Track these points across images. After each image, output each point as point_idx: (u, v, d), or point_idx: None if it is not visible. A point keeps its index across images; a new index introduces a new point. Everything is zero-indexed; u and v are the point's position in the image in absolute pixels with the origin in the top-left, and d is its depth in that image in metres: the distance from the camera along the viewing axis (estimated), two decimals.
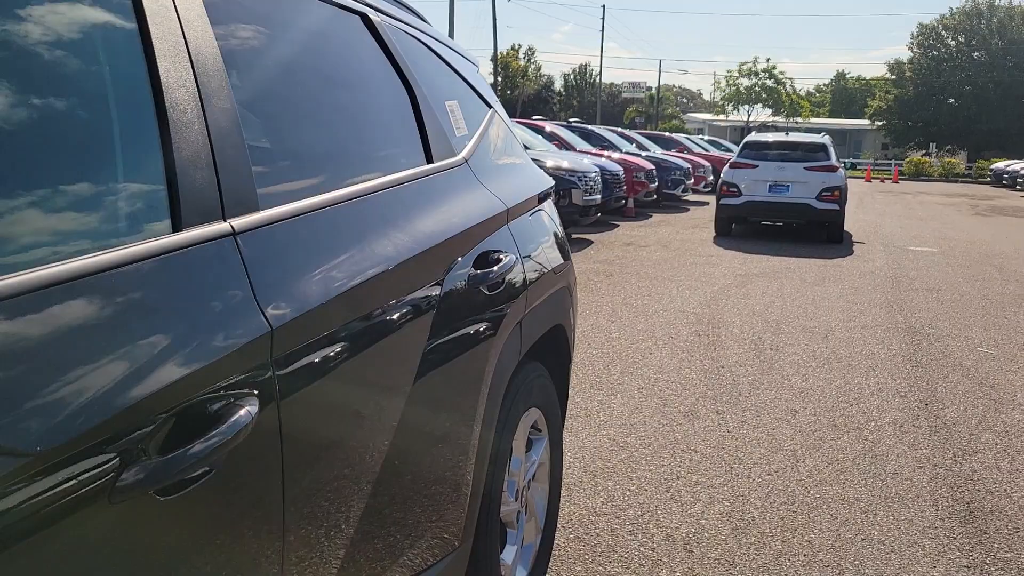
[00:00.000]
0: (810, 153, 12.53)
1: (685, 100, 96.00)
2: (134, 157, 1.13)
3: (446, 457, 1.78)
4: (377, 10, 1.93)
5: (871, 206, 19.84)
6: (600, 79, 61.56)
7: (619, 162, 14.19)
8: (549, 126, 15.70)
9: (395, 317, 1.57)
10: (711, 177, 19.94)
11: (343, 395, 1.40)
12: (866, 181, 33.51)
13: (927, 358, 5.53)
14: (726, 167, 12.93)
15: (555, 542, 2.63)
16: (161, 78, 1.15)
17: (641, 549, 2.79)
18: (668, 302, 7.18)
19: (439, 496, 1.77)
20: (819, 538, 2.91)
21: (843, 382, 4.90)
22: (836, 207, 11.93)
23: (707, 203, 17.75)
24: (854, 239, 12.42)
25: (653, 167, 15.83)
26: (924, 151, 48.35)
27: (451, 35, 23.44)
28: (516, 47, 70.01)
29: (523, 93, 61.24)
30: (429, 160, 1.95)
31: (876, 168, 42.40)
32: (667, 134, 27.81)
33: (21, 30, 1.02)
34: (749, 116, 59.24)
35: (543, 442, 2.47)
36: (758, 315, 6.75)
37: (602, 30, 56.37)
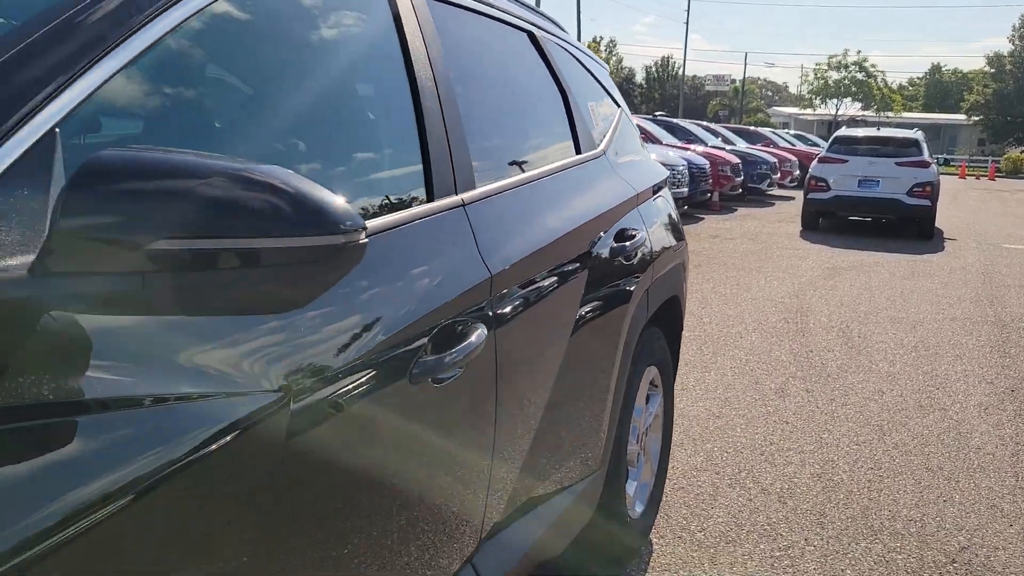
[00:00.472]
0: (901, 148, 12.48)
1: (770, 93, 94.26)
2: (405, 148, 1.57)
3: (593, 394, 2.19)
4: (538, 27, 2.35)
5: (964, 203, 19.43)
6: (683, 72, 61.08)
7: (704, 156, 14.37)
8: (635, 120, 15.91)
9: (562, 276, 1.98)
10: (797, 172, 19.84)
11: (530, 332, 1.81)
12: (960, 178, 32.54)
13: (1016, 349, 5.68)
14: (815, 162, 12.98)
15: (663, 489, 3.00)
16: (419, 92, 1.58)
17: (739, 499, 3.15)
18: (756, 291, 7.44)
19: (587, 426, 2.17)
20: (903, 498, 3.21)
21: (930, 368, 5.12)
22: (927, 203, 11.88)
23: (793, 198, 17.71)
24: (945, 236, 12.34)
25: (739, 161, 15.91)
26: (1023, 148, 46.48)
27: None
28: (598, 39, 69.96)
29: None
30: (578, 152, 2.36)
31: (971, 164, 41.03)
32: (752, 128, 27.61)
33: (348, 77, 1.46)
34: (837, 110, 57.91)
35: (658, 397, 2.85)
36: (846, 306, 6.95)
37: (687, 21, 55.84)
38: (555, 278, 1.94)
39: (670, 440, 3.01)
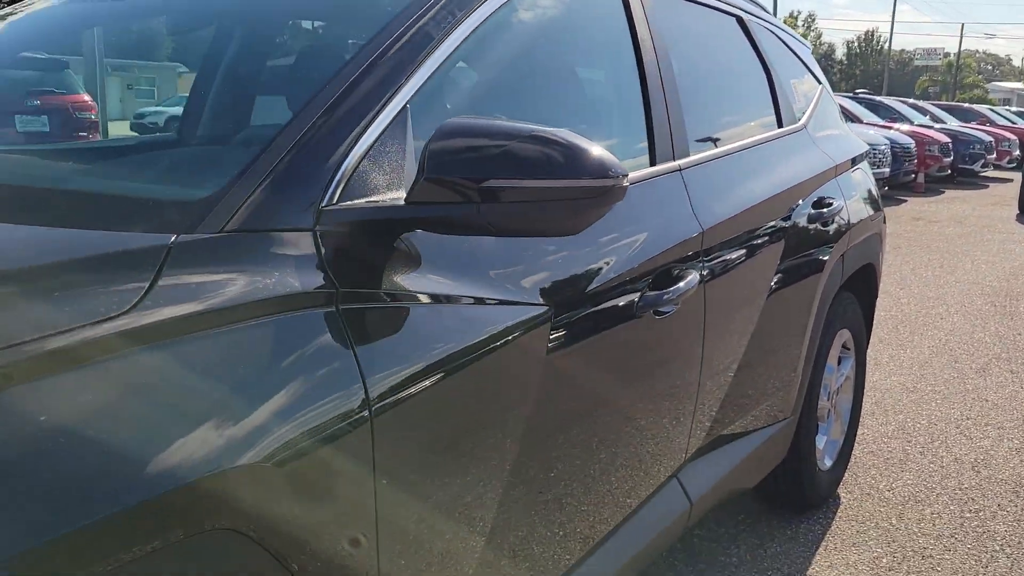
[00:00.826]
0: None
1: (990, 67, 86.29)
2: (633, 121, 1.87)
3: (787, 347, 2.40)
4: (746, 11, 2.57)
5: None
6: (889, 46, 57.21)
7: (910, 134, 13.64)
8: (835, 98, 15.31)
9: (762, 238, 2.21)
10: (1017, 152, 18.30)
11: (733, 282, 2.06)
12: None
13: None
14: None
15: (852, 448, 3.14)
16: (645, 73, 1.87)
17: (931, 466, 3.22)
18: (961, 274, 7.14)
19: (781, 376, 2.39)
20: None
21: None
22: None
23: (1011, 180, 16.40)
24: None
25: (948, 140, 14.95)
26: None
27: None
28: (795, 14, 66.93)
29: None
30: (780, 125, 2.56)
31: None
32: (967, 105, 25.64)
33: (594, 63, 1.78)
34: None
35: (850, 360, 3.00)
36: None
37: None
38: (757, 238, 2.18)
39: (860, 403, 3.13)
